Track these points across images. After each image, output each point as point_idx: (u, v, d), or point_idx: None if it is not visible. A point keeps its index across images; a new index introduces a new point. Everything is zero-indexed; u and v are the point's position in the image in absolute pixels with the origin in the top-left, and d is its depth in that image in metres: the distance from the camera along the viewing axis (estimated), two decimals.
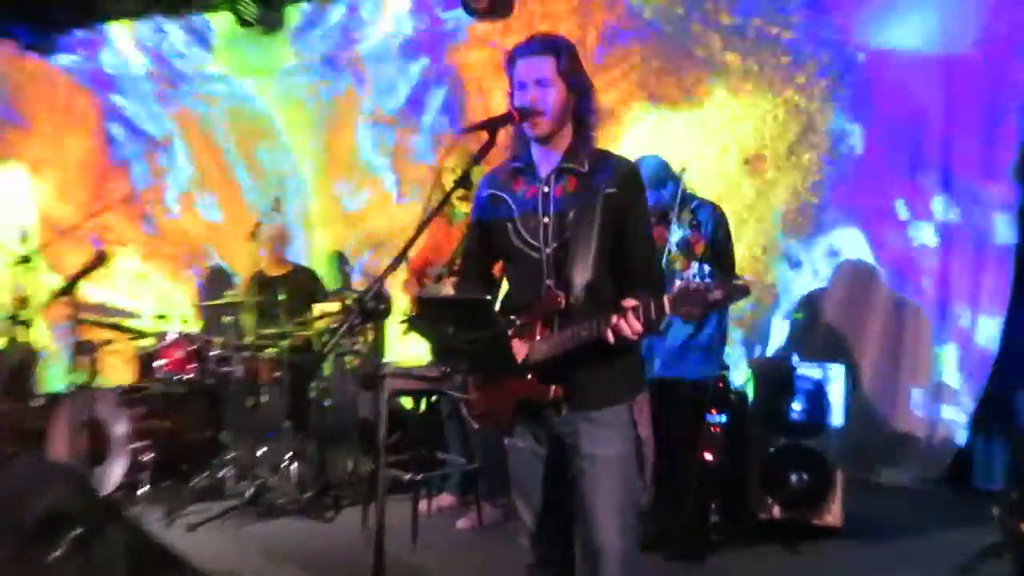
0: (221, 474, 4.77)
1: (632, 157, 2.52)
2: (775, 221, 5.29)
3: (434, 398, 4.38)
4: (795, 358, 4.36)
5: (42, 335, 6.44)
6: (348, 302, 4.60)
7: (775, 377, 4.19)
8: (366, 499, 4.22)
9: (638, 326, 2.11)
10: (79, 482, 2.76)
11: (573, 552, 2.34)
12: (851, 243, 5.17)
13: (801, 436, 4.10)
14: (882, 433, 5.06)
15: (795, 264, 5.31)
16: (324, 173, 6.61)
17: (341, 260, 6.54)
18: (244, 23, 6.23)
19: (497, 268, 2.58)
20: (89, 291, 6.36)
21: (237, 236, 6.21)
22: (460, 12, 5.80)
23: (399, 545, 3.89)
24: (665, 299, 2.05)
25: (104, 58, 6.87)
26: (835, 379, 4.11)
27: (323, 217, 6.66)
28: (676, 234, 3.59)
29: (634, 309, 2.11)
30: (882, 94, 5.00)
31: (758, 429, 4.16)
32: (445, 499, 4.62)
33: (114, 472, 4.69)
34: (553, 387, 2.28)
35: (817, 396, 4.11)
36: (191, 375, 5.06)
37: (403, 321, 3.60)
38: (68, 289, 4.30)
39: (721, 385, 4.08)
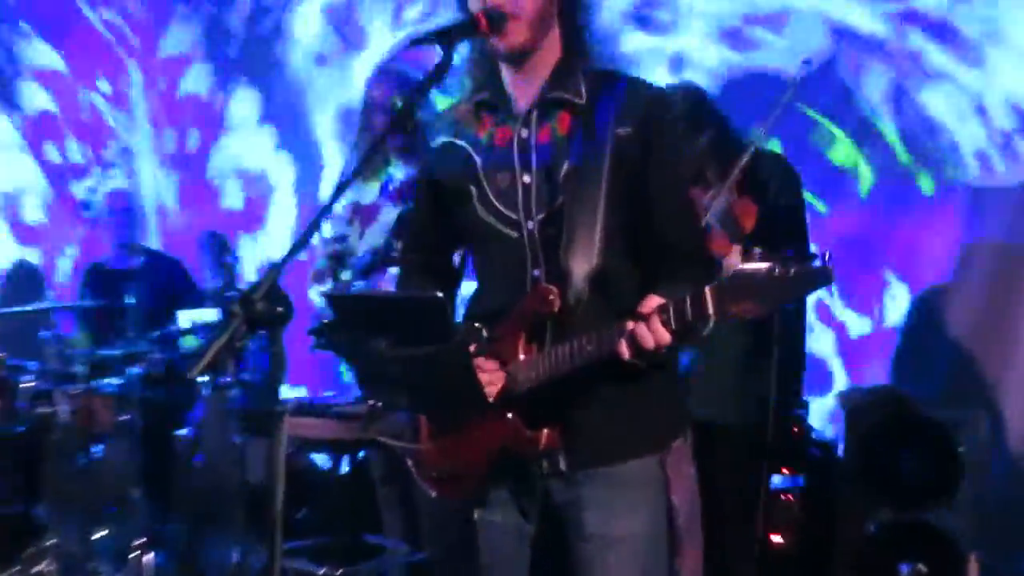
0: (37, 570, 4.74)
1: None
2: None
3: (361, 452, 4.39)
4: (907, 392, 4.40)
5: None
6: (229, 306, 4.57)
7: (878, 419, 4.20)
8: None
9: (666, 335, 2.12)
10: None
11: None
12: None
13: (917, 507, 4.11)
14: None
15: None
16: None
17: (219, 245, 6.54)
18: None
19: (456, 254, 2.61)
20: None
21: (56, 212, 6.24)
22: None
23: None
24: (706, 291, 2.06)
25: None
26: (969, 426, 4.14)
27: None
28: (716, 202, 3.62)
29: (661, 309, 2.13)
30: None
31: (851, 496, 4.18)
32: None
33: None
34: (545, 432, 2.29)
35: (942, 450, 4.11)
36: None
37: (311, 332, 3.59)
38: None
39: (796, 431, 4.10)
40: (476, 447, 2.34)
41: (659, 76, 5.34)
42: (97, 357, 4.85)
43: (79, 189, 6.85)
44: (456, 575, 4.25)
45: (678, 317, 2.10)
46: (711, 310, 2.05)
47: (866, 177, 5.27)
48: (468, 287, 2.59)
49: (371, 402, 2.49)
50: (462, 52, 2.35)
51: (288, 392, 5.53)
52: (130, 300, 4.91)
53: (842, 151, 5.23)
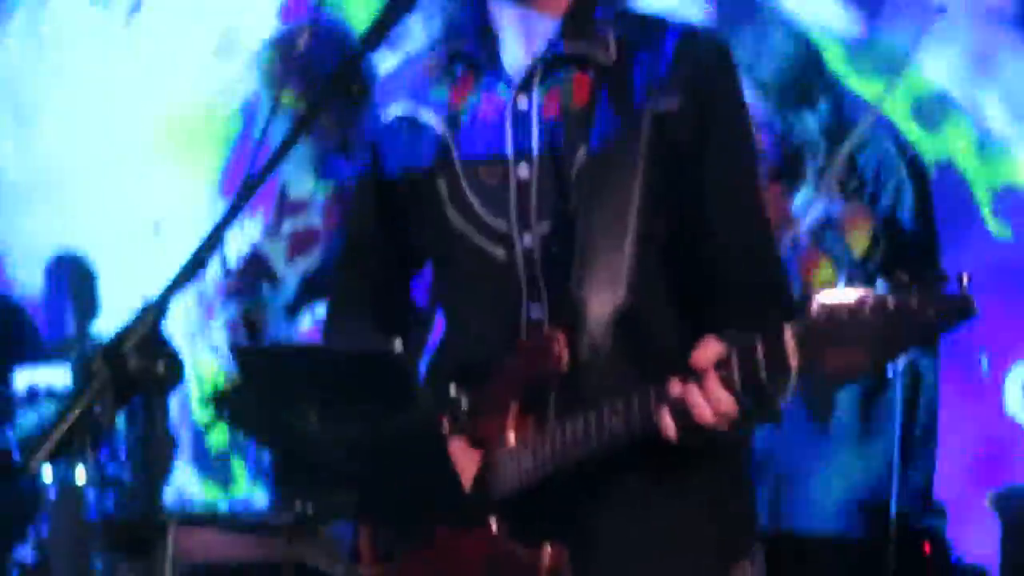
0: None
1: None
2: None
3: None
4: None
5: None
6: (88, 363, 4.56)
7: None
8: None
9: (729, 401, 2.13)
10: None
11: None
12: None
13: None
14: None
15: None
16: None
17: (78, 273, 6.59)
18: None
19: (418, 279, 2.62)
20: None
21: None
22: None
23: None
24: (786, 333, 2.06)
25: None
26: None
27: (32, 181, 6.77)
28: (813, 208, 3.65)
29: (719, 363, 2.14)
30: None
31: None
32: None
33: None
34: (547, 550, 2.29)
35: None
36: None
37: (208, 401, 3.57)
38: None
39: (928, 549, 4.11)
40: (448, 572, 2.34)
41: None
42: None
43: None
44: None
45: (746, 374, 2.10)
46: (794, 361, 2.05)
47: None
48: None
49: (295, 506, 2.48)
50: None
51: (174, 494, 5.55)
52: None
53: None
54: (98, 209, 6.75)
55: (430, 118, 2.43)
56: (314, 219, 4.28)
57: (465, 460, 2.31)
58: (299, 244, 4.42)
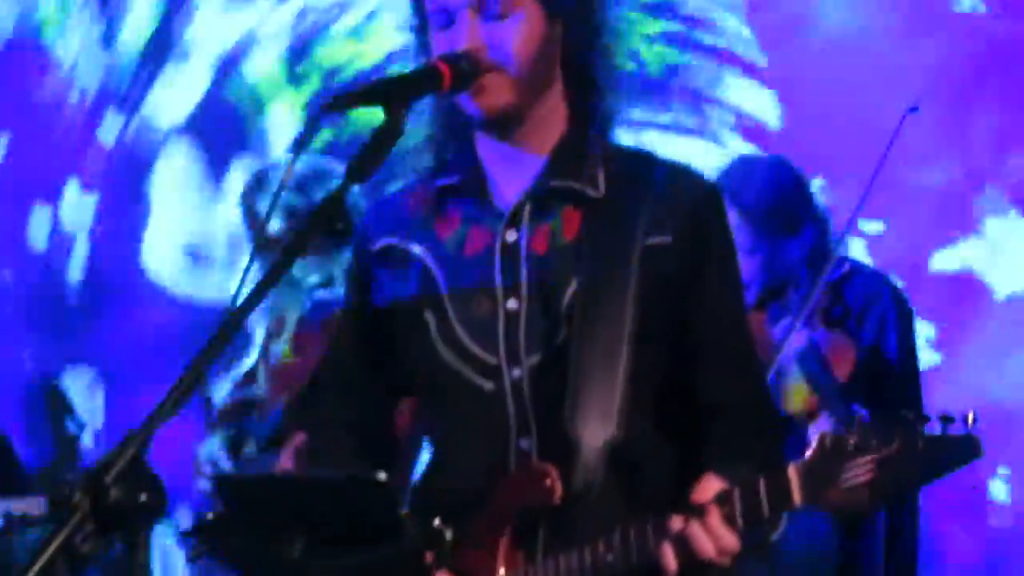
0: None
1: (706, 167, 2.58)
2: None
3: None
4: None
5: None
6: (68, 493, 4.52)
7: None
8: None
9: (732, 538, 2.12)
10: None
11: None
12: None
13: None
14: None
15: None
16: None
17: (51, 397, 6.59)
18: None
19: (404, 414, 2.64)
20: None
21: None
22: None
23: None
24: (790, 472, 2.07)
25: None
26: None
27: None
28: (796, 336, 3.66)
29: (721, 499, 2.13)
30: None
31: None
32: None
33: None
34: None
35: None
36: None
37: (189, 533, 3.56)
38: None
39: None
40: None
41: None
42: None
43: None
44: None
45: (749, 510, 2.10)
46: (797, 499, 2.06)
47: None
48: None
49: None
50: (417, 115, 2.35)
51: None
52: None
53: None
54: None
55: (419, 250, 2.43)
56: (298, 352, 4.30)
57: None
58: (284, 376, 4.42)
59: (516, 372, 2.34)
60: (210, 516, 3.59)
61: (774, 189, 3.85)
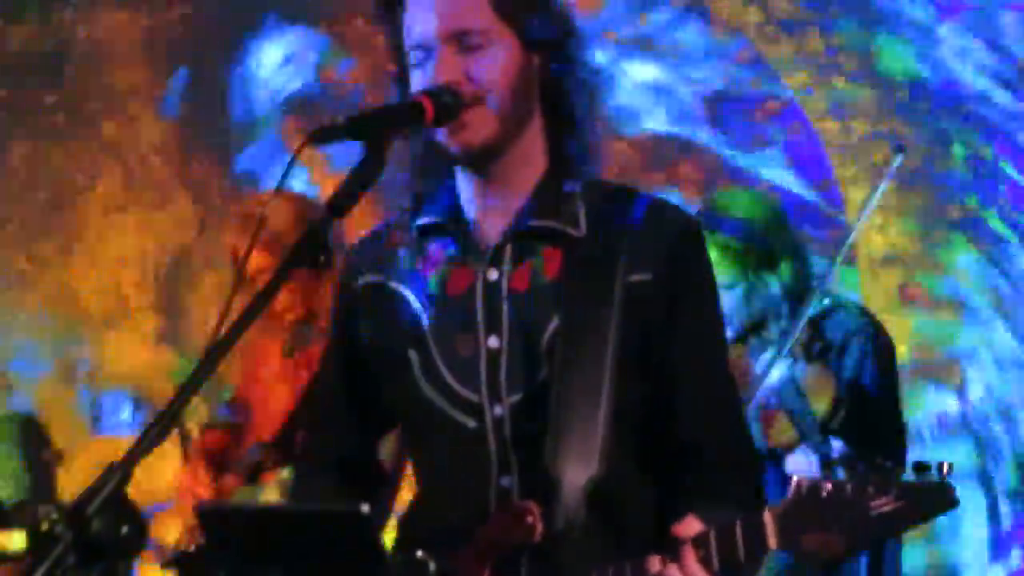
0: None
1: (688, 203, 2.58)
2: None
3: None
4: None
5: None
6: (49, 526, 4.49)
7: None
8: None
9: None
10: None
11: None
12: None
13: None
14: None
15: None
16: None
17: (29, 432, 6.57)
18: None
19: (387, 450, 2.65)
20: None
21: None
22: None
23: None
24: (766, 517, 2.07)
25: None
26: None
27: None
28: (776, 369, 3.67)
29: (697, 543, 2.13)
30: None
31: None
32: None
33: None
34: None
35: None
36: None
37: (168, 564, 3.52)
38: None
39: None
40: None
41: None
42: None
43: None
44: None
45: (724, 553, 2.10)
46: (772, 543, 2.06)
47: None
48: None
49: None
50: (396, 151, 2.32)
51: None
52: None
53: None
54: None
55: (402, 289, 2.43)
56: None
57: None
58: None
59: (498, 410, 2.33)
60: (192, 547, 3.59)
61: (751, 223, 3.86)
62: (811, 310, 3.80)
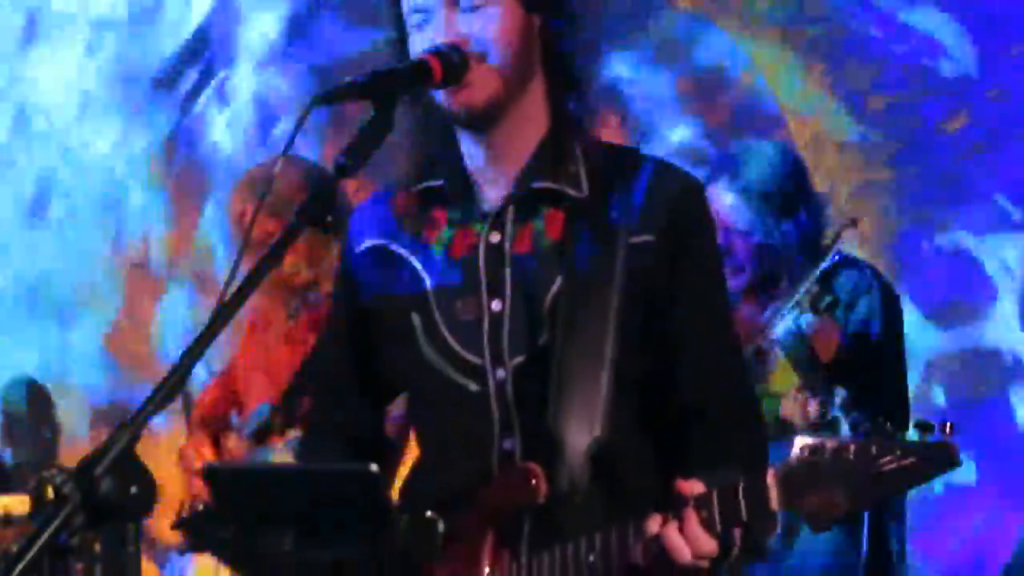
0: None
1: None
2: None
3: None
4: None
5: None
6: (57, 486, 4.49)
7: None
8: None
9: (709, 542, 2.12)
10: None
11: None
12: None
13: None
14: None
15: None
16: None
17: (33, 395, 6.60)
18: None
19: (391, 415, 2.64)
20: None
21: None
22: None
23: None
24: (769, 477, 2.07)
25: None
26: None
27: None
28: (782, 321, 3.69)
29: (700, 503, 2.12)
30: None
31: None
32: None
33: None
34: None
35: None
36: None
37: (178, 525, 3.53)
38: None
39: None
40: None
41: None
42: None
43: None
44: None
45: (726, 515, 2.10)
46: (774, 504, 2.06)
47: None
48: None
49: None
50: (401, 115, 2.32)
51: None
52: None
53: None
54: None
55: (405, 252, 2.43)
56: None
57: None
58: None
59: (500, 373, 2.34)
60: (200, 507, 3.59)
61: (773, 171, 3.88)
62: (827, 265, 3.83)
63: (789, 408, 3.65)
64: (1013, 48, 5.47)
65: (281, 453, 3.84)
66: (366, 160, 2.17)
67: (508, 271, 2.36)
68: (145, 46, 7.15)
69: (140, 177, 7.15)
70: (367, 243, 2.49)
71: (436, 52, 2.28)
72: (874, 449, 2.00)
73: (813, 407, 3.56)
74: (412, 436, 2.62)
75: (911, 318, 4.73)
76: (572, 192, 2.37)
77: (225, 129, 7.06)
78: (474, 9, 2.31)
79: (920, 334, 5.28)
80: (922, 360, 5.50)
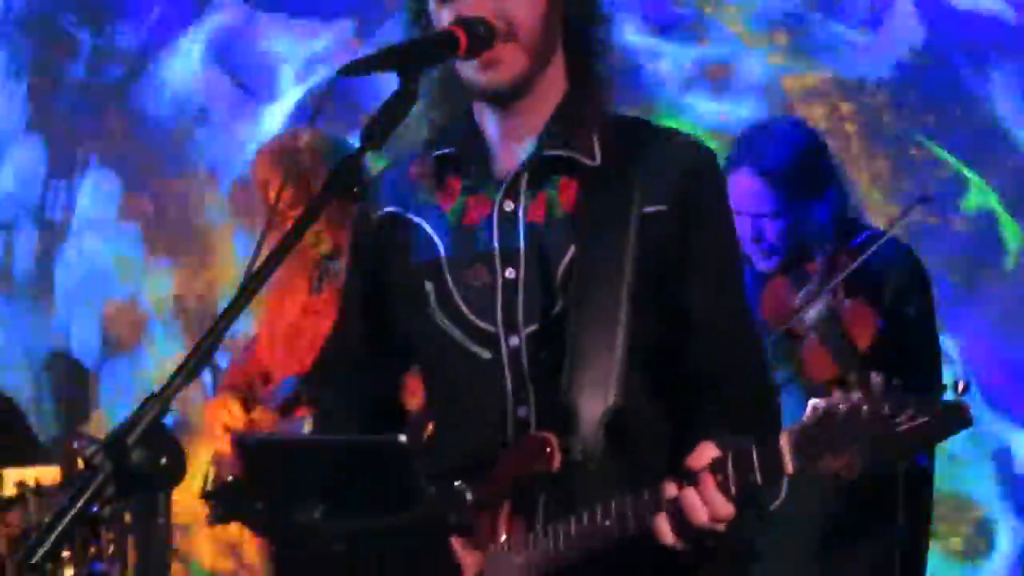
0: None
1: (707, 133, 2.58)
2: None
3: None
4: None
5: None
6: (88, 456, 4.51)
7: None
8: None
9: (727, 505, 2.12)
10: None
11: None
12: None
13: None
14: None
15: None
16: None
17: (69, 367, 6.59)
18: None
19: (405, 381, 2.64)
20: None
21: None
22: None
23: None
24: (782, 440, 2.07)
25: None
26: None
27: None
28: (816, 306, 3.67)
29: (715, 467, 2.13)
30: None
31: None
32: None
33: None
34: None
35: None
36: None
37: (208, 495, 3.55)
38: None
39: None
40: None
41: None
42: None
43: None
44: None
45: (742, 478, 2.10)
46: (789, 467, 2.06)
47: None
48: None
49: None
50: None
51: None
52: None
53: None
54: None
55: (419, 220, 2.44)
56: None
57: (463, 556, 2.31)
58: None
59: (514, 341, 2.34)
60: (230, 478, 3.61)
61: (794, 150, 3.84)
62: (851, 243, 3.81)
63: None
64: None
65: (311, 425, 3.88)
66: (391, 132, 2.16)
67: (522, 239, 2.36)
68: None
69: None
70: (383, 211, 2.50)
71: (461, 23, 2.27)
72: (887, 409, 2.00)
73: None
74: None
75: None
76: (585, 161, 2.37)
77: None
78: None
79: None
80: None
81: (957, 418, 2.01)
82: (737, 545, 2.27)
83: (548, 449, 2.26)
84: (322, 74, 6.18)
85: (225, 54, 6.57)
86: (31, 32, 6.88)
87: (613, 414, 2.27)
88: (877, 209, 5.02)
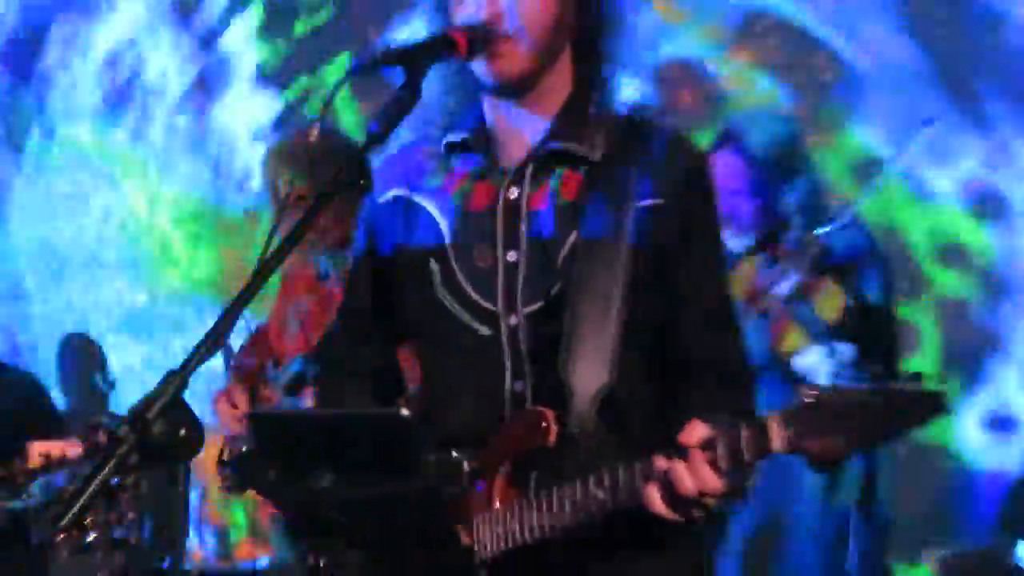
0: None
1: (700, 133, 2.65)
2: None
3: None
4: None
5: None
6: (106, 431, 4.59)
7: None
8: None
9: (714, 480, 2.14)
10: None
11: None
12: None
13: None
14: None
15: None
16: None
17: (88, 353, 6.71)
18: None
19: (405, 356, 2.67)
20: None
21: None
22: None
23: None
24: (771, 420, 2.10)
25: None
26: None
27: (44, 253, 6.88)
28: (786, 283, 3.76)
29: (705, 444, 2.15)
30: None
31: None
32: None
33: None
34: None
35: None
36: None
37: (223, 464, 3.61)
38: None
39: None
40: None
41: None
42: None
43: None
44: None
45: (731, 456, 2.12)
46: (777, 445, 2.08)
47: None
48: None
49: (309, 561, 2.46)
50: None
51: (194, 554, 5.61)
52: None
53: None
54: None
55: (426, 202, 2.48)
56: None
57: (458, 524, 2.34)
58: None
59: (513, 319, 2.38)
60: (244, 449, 3.67)
61: (776, 138, 3.95)
62: (821, 227, 3.88)
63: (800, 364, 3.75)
64: None
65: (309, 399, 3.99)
66: (395, 127, 2.22)
67: (524, 225, 2.40)
68: None
69: None
70: (391, 193, 2.54)
71: (463, 28, 2.33)
72: (871, 396, 2.04)
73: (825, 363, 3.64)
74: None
75: None
76: (587, 155, 2.41)
77: None
78: None
79: None
80: None
81: (937, 405, 2.04)
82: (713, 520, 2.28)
83: (544, 423, 2.29)
84: None
85: None
86: None
87: (607, 392, 2.30)
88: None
